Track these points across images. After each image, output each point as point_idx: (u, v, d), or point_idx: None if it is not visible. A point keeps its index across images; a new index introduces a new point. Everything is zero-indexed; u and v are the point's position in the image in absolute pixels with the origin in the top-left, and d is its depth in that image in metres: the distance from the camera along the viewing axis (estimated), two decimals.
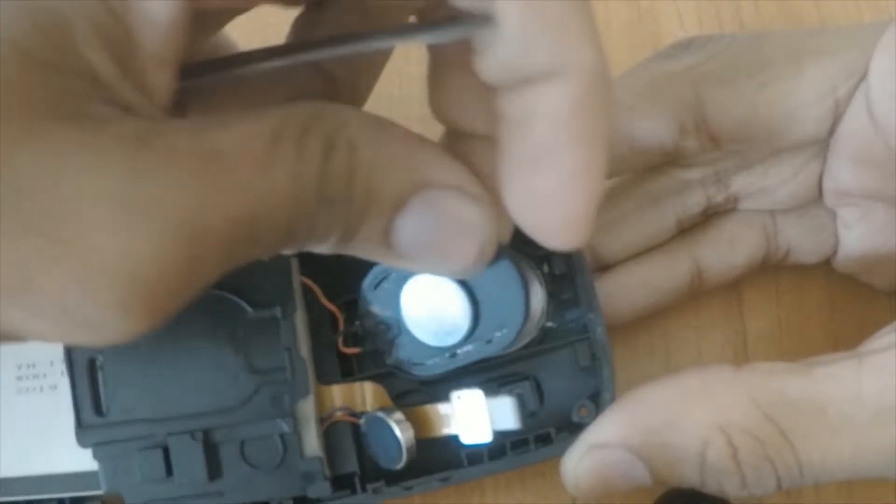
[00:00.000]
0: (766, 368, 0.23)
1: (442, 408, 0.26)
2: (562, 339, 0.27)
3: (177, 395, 0.26)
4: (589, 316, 0.27)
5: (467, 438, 0.26)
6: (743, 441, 0.22)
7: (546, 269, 0.27)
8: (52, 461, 0.27)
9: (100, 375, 0.26)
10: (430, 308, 0.26)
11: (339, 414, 0.26)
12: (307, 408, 0.25)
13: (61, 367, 0.27)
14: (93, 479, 0.26)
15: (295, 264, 0.27)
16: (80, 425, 0.26)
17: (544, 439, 0.26)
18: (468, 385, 0.26)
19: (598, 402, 0.26)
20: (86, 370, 0.26)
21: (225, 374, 0.25)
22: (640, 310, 0.29)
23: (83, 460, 0.26)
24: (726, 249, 0.29)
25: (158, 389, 0.26)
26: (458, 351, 0.26)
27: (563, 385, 0.27)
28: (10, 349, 0.27)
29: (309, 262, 0.27)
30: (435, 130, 0.32)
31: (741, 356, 0.30)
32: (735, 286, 0.31)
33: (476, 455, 0.26)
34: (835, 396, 0.22)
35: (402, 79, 0.33)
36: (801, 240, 0.29)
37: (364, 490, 0.26)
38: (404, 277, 0.26)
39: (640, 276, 0.29)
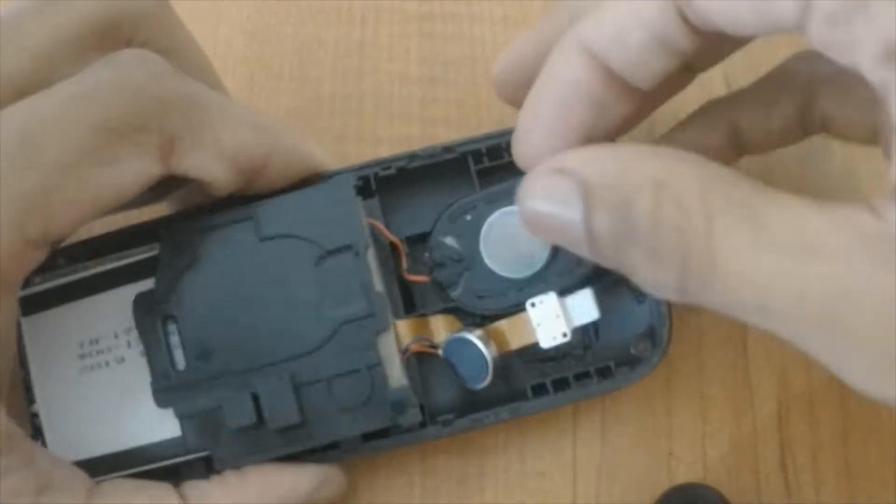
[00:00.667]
0: (736, 172, 0.21)
1: (516, 319, 0.26)
2: (613, 279, 0.27)
3: (257, 343, 0.25)
4: None
5: (547, 342, 0.26)
6: (667, 202, 0.21)
7: None
8: (134, 434, 0.26)
9: (174, 332, 0.25)
10: (511, 240, 0.27)
11: (415, 345, 0.26)
12: (388, 340, 0.25)
13: (127, 337, 0.26)
14: (178, 445, 0.26)
15: (359, 202, 0.27)
16: (158, 385, 0.25)
17: (604, 372, 0.27)
18: None
19: (654, 337, 0.27)
20: (159, 329, 0.25)
21: (304, 317, 0.25)
22: None
23: (166, 428, 0.26)
24: (763, 113, 0.28)
25: (237, 340, 0.25)
26: (527, 286, 0.27)
27: (616, 323, 0.28)
28: (69, 328, 0.26)
29: (372, 199, 0.28)
30: (435, 130, 0.32)
31: (741, 356, 0.30)
32: None
33: (540, 387, 0.27)
34: (778, 219, 0.20)
35: (402, 79, 0.34)
36: (838, 112, 0.27)
37: (435, 423, 0.26)
38: (488, 211, 0.27)
39: (680, 142, 0.28)
